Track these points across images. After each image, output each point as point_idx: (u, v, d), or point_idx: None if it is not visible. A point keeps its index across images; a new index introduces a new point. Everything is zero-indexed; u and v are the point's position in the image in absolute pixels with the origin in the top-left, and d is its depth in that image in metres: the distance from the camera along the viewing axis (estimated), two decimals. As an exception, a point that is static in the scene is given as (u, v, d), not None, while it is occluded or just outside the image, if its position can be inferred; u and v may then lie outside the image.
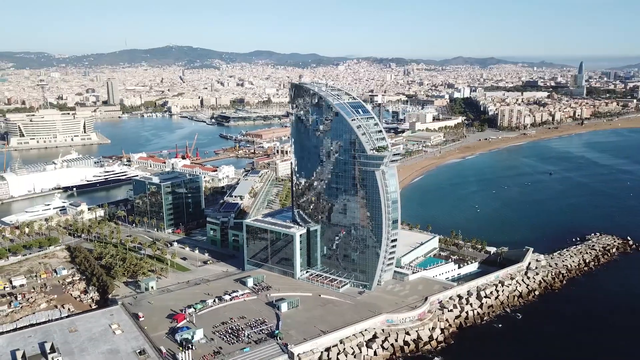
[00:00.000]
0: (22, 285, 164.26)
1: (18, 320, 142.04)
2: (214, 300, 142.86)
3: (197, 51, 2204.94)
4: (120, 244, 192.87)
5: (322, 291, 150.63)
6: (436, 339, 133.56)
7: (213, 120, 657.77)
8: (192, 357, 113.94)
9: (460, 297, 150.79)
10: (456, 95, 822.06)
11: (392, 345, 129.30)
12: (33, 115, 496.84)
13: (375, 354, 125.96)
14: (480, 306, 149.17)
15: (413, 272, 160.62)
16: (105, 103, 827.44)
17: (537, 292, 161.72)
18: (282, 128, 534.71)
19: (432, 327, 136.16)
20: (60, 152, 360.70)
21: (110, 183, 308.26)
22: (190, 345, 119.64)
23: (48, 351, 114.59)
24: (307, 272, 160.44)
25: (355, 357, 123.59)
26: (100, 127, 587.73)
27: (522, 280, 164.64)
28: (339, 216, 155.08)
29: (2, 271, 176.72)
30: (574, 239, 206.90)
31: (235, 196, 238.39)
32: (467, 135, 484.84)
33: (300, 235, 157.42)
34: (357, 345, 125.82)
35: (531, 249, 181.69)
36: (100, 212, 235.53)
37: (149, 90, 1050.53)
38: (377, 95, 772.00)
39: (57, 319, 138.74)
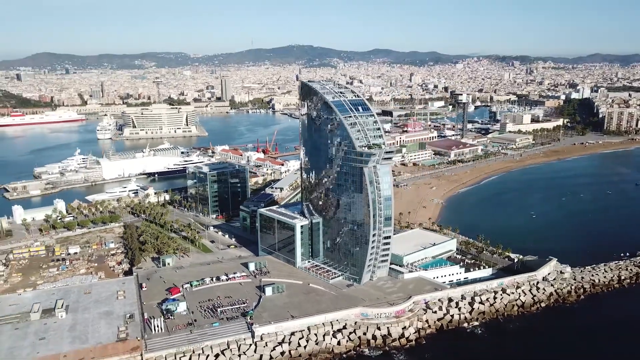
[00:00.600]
0: (75, 253, 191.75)
1: (58, 280, 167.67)
2: (212, 279, 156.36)
3: (317, 50, 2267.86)
4: (164, 225, 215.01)
5: (314, 281, 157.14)
6: (407, 337, 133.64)
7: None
8: (165, 325, 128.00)
9: (450, 300, 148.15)
10: (574, 95, 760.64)
11: (359, 337, 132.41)
12: (146, 109, 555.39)
13: (339, 343, 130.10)
14: (470, 311, 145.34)
15: (410, 271, 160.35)
16: (218, 99, 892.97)
17: (543, 304, 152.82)
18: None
19: (407, 326, 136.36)
20: (163, 142, 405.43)
21: (186, 171, 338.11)
22: (170, 315, 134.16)
23: (55, 307, 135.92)
24: (308, 262, 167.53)
25: (317, 344, 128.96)
26: (206, 121, 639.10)
27: (530, 290, 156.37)
28: (344, 212, 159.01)
29: (68, 240, 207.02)
30: (621, 254, 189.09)
31: (275, 188, 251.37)
32: (563, 139, 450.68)
33: (302, 226, 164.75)
34: (322, 334, 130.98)
35: (554, 260, 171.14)
36: (165, 197, 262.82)
37: (261, 88, 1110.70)
38: (461, 95, 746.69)
39: (84, 284, 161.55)
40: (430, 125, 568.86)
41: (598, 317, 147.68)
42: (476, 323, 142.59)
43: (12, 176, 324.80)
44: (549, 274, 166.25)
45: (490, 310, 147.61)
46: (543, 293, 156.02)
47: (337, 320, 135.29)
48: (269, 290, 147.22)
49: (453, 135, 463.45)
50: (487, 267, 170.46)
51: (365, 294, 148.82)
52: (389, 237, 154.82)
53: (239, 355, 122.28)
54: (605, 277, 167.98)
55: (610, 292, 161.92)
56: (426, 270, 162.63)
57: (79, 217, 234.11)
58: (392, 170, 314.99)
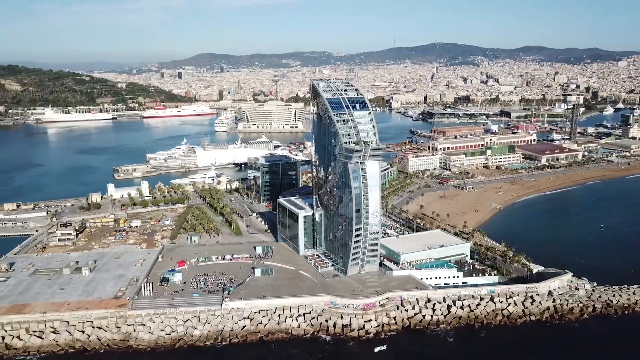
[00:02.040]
0: (136, 226, 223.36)
1: (109, 247, 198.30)
2: (217, 258, 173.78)
3: (461, 48, 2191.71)
4: (217, 208, 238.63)
5: (306, 268, 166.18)
6: (367, 330, 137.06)
7: (420, 116, 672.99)
8: (153, 289, 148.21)
9: (429, 300, 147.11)
10: None
11: (320, 323, 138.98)
12: (260, 105, 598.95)
13: (299, 326, 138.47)
14: (446, 315, 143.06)
15: (402, 269, 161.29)
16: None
17: (533, 318, 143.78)
18: (472, 126, 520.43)
19: (370, 319, 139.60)
20: (279, 137, 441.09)
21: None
22: (165, 282, 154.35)
23: (83, 267, 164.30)
24: (311, 250, 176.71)
25: (278, 324, 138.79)
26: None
27: (523, 301, 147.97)
28: (344, 207, 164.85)
29: (137, 216, 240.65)
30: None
31: None
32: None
33: (305, 216, 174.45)
34: (286, 315, 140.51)
35: (569, 274, 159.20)
36: (235, 184, 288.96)
37: (388, 86, 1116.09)
38: (571, 95, 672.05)
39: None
40: (546, 128, 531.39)
41: (586, 337, 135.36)
42: (446, 326, 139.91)
43: (130, 160, 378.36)
44: (558, 287, 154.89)
45: (469, 316, 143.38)
46: (537, 306, 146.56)
47: (304, 305, 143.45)
48: (258, 272, 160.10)
49: (560, 138, 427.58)
50: (494, 274, 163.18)
51: (345, 285, 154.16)
52: (376, 233, 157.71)
53: (204, 324, 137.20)
54: (628, 299, 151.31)
55: (624, 315, 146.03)
56: (419, 270, 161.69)
57: (156, 197, 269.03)
58: (466, 172, 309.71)
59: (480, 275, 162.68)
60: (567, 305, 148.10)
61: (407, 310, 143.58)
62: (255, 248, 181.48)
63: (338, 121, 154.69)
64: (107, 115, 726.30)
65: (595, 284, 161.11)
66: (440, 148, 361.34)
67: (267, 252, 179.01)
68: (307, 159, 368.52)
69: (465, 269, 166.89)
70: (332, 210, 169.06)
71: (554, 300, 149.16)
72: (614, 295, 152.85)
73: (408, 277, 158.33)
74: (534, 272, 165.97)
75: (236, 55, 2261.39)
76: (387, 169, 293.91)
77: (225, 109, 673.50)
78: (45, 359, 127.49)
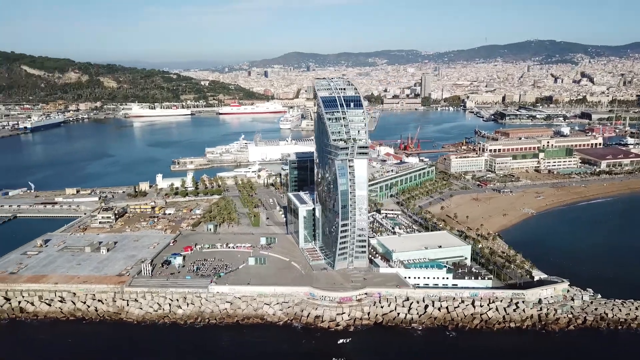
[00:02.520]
0: (169, 214, 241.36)
1: (139, 230, 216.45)
2: (222, 245, 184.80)
3: (559, 45, 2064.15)
4: (246, 200, 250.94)
5: (298, 260, 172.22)
6: (337, 322, 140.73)
7: (492, 116, 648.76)
8: (151, 270, 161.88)
9: (407, 299, 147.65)
10: None
11: (294, 313, 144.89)
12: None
13: (274, 313, 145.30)
14: (421, 314, 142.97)
15: (390, 267, 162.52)
16: (417, 96, 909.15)
17: (513, 325, 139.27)
18: (542, 128, 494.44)
19: (343, 312, 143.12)
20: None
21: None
22: (166, 265, 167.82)
23: (102, 246, 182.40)
24: (310, 244, 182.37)
25: (255, 310, 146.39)
26: (386, 117, 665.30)
27: (506, 307, 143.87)
28: (335, 203, 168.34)
29: (175, 204, 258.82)
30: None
31: None
32: None
33: (306, 210, 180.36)
34: (263, 302, 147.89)
35: (565, 283, 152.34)
36: (273, 179, 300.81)
37: (468, 85, 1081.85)
38: None
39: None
40: (627, 131, 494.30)
41: (558, 348, 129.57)
42: (418, 325, 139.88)
43: (192, 153, 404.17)
44: (551, 296, 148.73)
45: (445, 317, 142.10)
46: (519, 313, 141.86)
47: (284, 294, 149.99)
48: (251, 261, 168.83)
49: (634, 143, 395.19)
50: (488, 278, 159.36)
51: (329, 277, 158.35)
52: (363, 229, 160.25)
53: (188, 304, 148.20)
54: (627, 314, 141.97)
55: (616, 331, 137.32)
56: (408, 269, 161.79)
57: (198, 188, 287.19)
58: (512, 175, 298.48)
59: (473, 278, 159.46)
60: (553, 314, 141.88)
61: (382, 307, 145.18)
62: (260, 238, 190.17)
63: (329, 119, 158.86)
64: (187, 111, 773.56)
65: (599, 295, 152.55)
66: (490, 149, 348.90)
67: (270, 243, 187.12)
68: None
69: (460, 271, 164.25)
70: (327, 206, 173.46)
71: (540, 309, 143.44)
72: (612, 309, 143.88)
73: (395, 275, 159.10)
74: (534, 280, 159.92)
75: (323, 54, 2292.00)
76: (424, 168, 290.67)
77: (291, 107, 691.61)
78: (49, 324, 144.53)
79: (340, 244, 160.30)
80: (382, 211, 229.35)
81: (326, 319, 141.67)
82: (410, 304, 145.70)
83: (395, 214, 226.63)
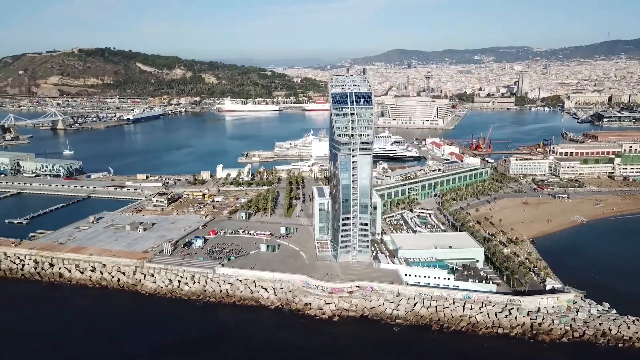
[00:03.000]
0: (217, 201, 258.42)
1: (184, 214, 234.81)
2: (244, 232, 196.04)
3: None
4: (287, 193, 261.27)
5: (307, 250, 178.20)
6: (323, 311, 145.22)
7: (589, 118, 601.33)
8: (171, 250, 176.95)
9: (398, 295, 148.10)
10: None
11: (286, 298, 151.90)
12: (402, 101, 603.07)
13: (268, 298, 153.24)
14: (408, 312, 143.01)
15: (392, 262, 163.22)
16: (512, 95, 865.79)
17: (500, 331, 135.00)
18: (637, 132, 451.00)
19: (330, 302, 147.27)
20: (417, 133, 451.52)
21: (379, 157, 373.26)
22: (188, 246, 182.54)
23: (140, 226, 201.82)
24: (325, 236, 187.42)
25: (252, 293, 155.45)
26: (472, 116, 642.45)
27: (497, 312, 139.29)
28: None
29: (225, 193, 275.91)
30: None
31: (384, 176, 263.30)
32: None
33: (320, 203, 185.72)
34: (260, 285, 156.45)
35: (571, 294, 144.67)
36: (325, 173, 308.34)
37: (575, 85, 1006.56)
38: None
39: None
40: None
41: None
42: (402, 322, 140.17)
43: (264, 146, 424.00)
44: (552, 305, 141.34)
45: (431, 317, 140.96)
46: (510, 320, 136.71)
47: (281, 280, 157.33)
48: (263, 247, 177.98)
49: None
50: (493, 283, 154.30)
51: (328, 268, 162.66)
52: (365, 224, 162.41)
53: (194, 282, 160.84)
54: (636, 332, 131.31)
55: (615, 348, 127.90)
56: (409, 267, 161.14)
57: (254, 179, 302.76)
58: (577, 180, 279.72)
59: (477, 281, 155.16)
60: (549, 325, 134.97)
61: (370, 301, 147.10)
62: (281, 227, 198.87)
63: (337, 114, 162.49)
64: (275, 107, 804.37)
65: (614, 311, 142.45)
66: (559, 152, 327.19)
67: (289, 232, 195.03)
68: (417, 155, 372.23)
69: (466, 273, 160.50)
70: (335, 200, 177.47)
71: (535, 318, 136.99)
72: (618, 326, 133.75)
73: (394, 271, 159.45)
74: (546, 288, 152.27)
75: (426, 52, 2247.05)
76: (476, 169, 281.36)
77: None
78: (78, 289, 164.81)
79: (342, 237, 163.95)
80: (415, 210, 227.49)
81: (314, 307, 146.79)
82: (400, 300, 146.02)
83: (428, 213, 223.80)
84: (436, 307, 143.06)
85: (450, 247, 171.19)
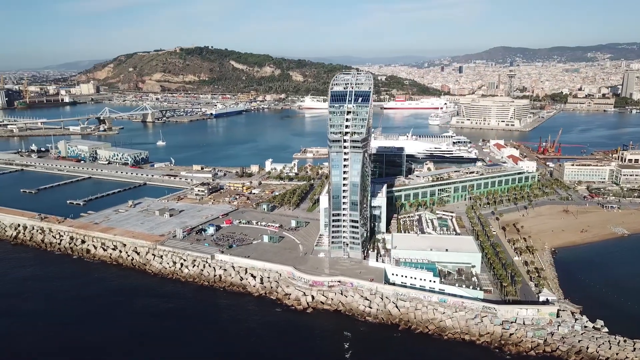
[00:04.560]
0: (253, 193, 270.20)
1: (222, 204, 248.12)
2: (257, 223, 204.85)
3: None
4: (318, 188, 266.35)
5: (307, 244, 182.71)
6: (299, 302, 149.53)
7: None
8: (182, 234, 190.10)
9: (374, 293, 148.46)
10: None
11: (271, 286, 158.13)
12: (478, 100, 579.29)
13: (254, 285, 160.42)
14: (380, 310, 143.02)
15: (377, 261, 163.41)
16: (615, 96, 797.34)
17: (467, 338, 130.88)
18: None
19: (308, 294, 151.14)
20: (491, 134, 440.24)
21: (433, 157, 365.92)
22: (200, 232, 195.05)
23: (166, 212, 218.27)
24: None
25: (241, 280, 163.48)
26: (561, 117, 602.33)
27: (468, 319, 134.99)
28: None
29: (266, 186, 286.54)
30: None
31: (416, 175, 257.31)
32: None
33: (325, 200, 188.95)
34: (249, 273, 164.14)
35: (555, 307, 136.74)
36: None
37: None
38: None
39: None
40: None
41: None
42: (372, 319, 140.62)
43: (323, 143, 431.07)
44: (533, 317, 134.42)
45: (401, 317, 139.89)
46: (480, 327, 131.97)
47: (269, 269, 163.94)
48: (265, 238, 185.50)
49: None
50: (479, 290, 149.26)
51: (318, 262, 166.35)
52: (356, 221, 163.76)
53: (193, 266, 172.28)
54: (616, 353, 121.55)
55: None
56: (397, 267, 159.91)
57: (298, 174, 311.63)
58: (637, 190, 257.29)
59: (465, 287, 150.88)
60: (520, 336, 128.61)
61: (346, 296, 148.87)
62: (292, 220, 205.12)
63: (333, 112, 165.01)
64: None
65: (605, 330, 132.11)
66: (628, 159, 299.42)
67: (298, 226, 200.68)
68: (475, 157, 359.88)
69: (456, 277, 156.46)
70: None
71: (508, 328, 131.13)
72: (600, 345, 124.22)
73: (381, 270, 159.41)
74: (539, 299, 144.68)
75: (533, 49, 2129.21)
76: (520, 173, 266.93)
77: (445, 104, 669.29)
78: (97, 264, 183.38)
79: (332, 232, 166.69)
80: (437, 212, 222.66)
81: (292, 298, 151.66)
82: (374, 298, 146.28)
83: (449, 215, 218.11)
84: (408, 307, 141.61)
85: (447, 250, 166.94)
